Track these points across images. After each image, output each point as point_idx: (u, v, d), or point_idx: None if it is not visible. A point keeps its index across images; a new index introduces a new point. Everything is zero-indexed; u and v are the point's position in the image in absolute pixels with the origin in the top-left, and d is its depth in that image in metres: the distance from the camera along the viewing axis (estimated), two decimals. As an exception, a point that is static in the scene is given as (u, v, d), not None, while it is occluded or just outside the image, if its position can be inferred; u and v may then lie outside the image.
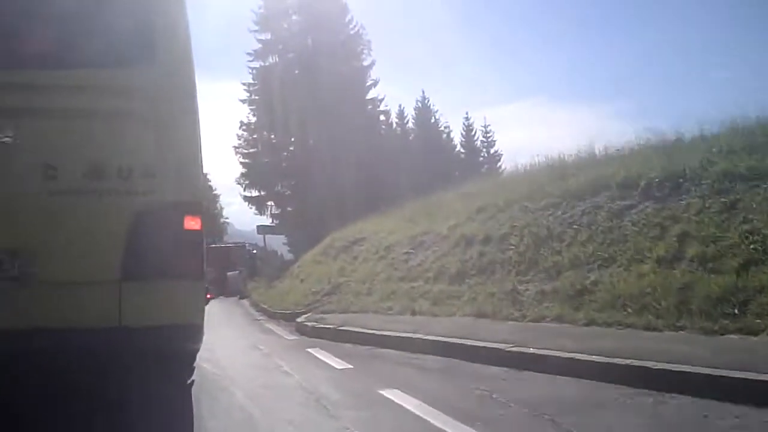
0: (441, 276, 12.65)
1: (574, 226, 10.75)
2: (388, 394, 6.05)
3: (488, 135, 62.37)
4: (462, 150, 62.13)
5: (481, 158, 61.74)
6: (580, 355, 6.59)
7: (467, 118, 62.79)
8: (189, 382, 7.42)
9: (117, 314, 4.78)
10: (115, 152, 4.96)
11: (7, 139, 4.82)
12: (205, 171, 58.79)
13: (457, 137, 62.61)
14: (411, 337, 9.03)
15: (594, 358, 6.38)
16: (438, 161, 52.31)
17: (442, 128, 61.66)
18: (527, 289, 10.07)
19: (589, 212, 10.82)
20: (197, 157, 5.48)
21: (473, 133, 62.45)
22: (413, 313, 11.51)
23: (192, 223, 5.04)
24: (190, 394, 6.60)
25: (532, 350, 7.11)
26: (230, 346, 10.61)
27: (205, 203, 6.53)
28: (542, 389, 6.05)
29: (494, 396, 5.83)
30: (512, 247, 11.46)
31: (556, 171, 13.79)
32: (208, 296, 5.93)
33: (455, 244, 13.41)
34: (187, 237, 5.04)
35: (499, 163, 56.59)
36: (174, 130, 5.17)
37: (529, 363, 6.90)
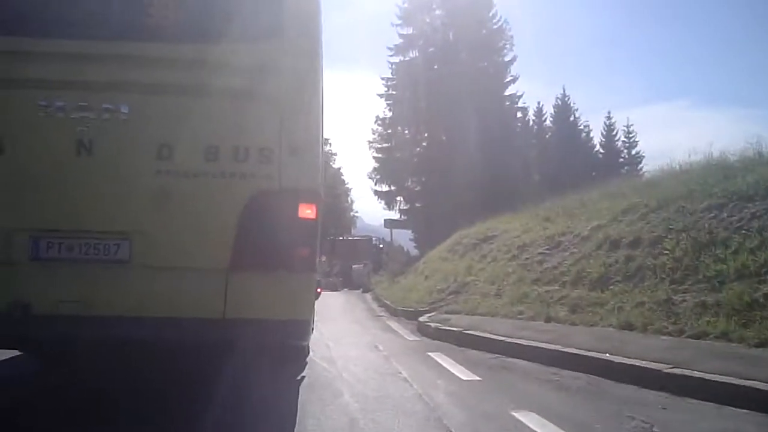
0: (580, 281, 11.39)
1: (742, 231, 9.28)
2: (523, 417, 5.06)
3: (630, 136, 60.14)
4: (601, 150, 60.01)
5: (621, 159, 59.45)
6: (757, 383, 5.37)
7: (609, 118, 60.61)
8: (299, 377, 6.84)
9: (222, 306, 4.46)
10: (232, 133, 4.64)
11: (121, 115, 4.55)
12: (337, 164, 60.69)
13: (596, 137, 60.64)
14: (547, 348, 7.94)
15: (776, 388, 5.16)
16: (575, 161, 51.04)
17: (582, 127, 60.02)
18: (684, 300, 8.70)
19: (760, 216, 9.33)
20: (318, 142, 4.97)
21: (614, 133, 60.37)
22: (548, 319, 10.35)
23: (307, 212, 4.65)
24: (297, 392, 5.99)
25: (697, 373, 5.90)
26: (348, 344, 9.94)
27: (324, 193, 5.92)
28: (713, 424, 4.93)
29: (655, 430, 4.75)
30: (666, 252, 10.06)
31: (719, 170, 12.18)
32: (318, 290, 5.28)
33: (597, 246, 12.10)
34: (301, 226, 4.64)
35: (640, 165, 54.40)
36: (296, 112, 4.74)
37: (693, 389, 5.73)
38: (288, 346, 5.40)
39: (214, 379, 5.72)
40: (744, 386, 5.39)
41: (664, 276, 9.64)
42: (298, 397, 5.73)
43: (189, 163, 4.62)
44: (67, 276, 4.54)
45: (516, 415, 5.18)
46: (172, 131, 4.65)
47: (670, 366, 6.22)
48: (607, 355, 7.07)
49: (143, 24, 4.78)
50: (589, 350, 7.40)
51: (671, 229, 10.59)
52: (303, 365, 7.49)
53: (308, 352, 8.30)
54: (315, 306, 5.52)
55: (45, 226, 4.56)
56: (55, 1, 4.92)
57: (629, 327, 8.71)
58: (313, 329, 6.83)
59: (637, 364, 6.54)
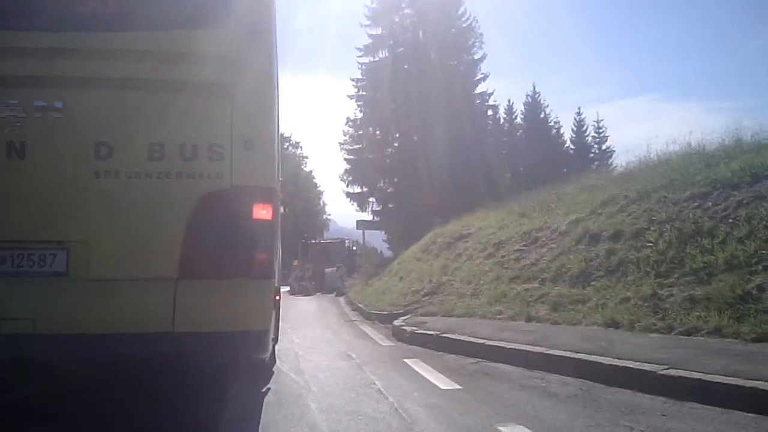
0: (560, 277, 10.91)
1: (729, 220, 8.91)
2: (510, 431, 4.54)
3: (600, 131, 60.90)
4: (572, 146, 60.49)
5: (592, 155, 60.04)
6: (763, 383, 4.90)
7: (579, 114, 61.20)
8: (264, 390, 6.26)
9: (170, 318, 4.00)
10: (178, 128, 4.18)
11: (55, 112, 4.09)
12: (309, 167, 60.78)
13: (567, 133, 61.21)
14: (530, 351, 7.39)
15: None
16: (546, 157, 51.48)
17: (552, 124, 60.73)
18: (671, 295, 8.27)
19: (747, 204, 8.96)
20: (274, 136, 4.46)
21: (584, 129, 61.09)
22: (528, 319, 9.84)
23: (263, 212, 4.22)
24: (261, 409, 5.42)
25: (696, 375, 5.42)
26: (319, 352, 9.34)
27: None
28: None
29: (659, 441, 4.26)
30: (649, 244, 9.63)
31: (699, 159, 11.82)
32: (277, 298, 4.76)
33: (577, 240, 11.65)
34: (256, 228, 4.21)
35: (611, 160, 54.72)
36: (248, 104, 4.29)
37: (692, 391, 5.25)
38: (245, 360, 4.85)
39: (163, 392, 5.20)
40: (749, 387, 4.94)
41: (648, 269, 9.21)
42: (260, 417, 5.16)
43: (131, 163, 4.17)
44: (2, 291, 4.06)
45: (502, 429, 4.70)
46: (111, 129, 4.20)
47: (665, 367, 5.74)
48: (596, 356, 6.56)
49: (76, 12, 4.35)
50: (576, 351, 6.89)
51: (653, 220, 10.20)
52: (269, 376, 6.94)
53: (275, 362, 7.77)
54: (274, 315, 4.96)
55: None
56: None
57: (615, 325, 8.25)
58: (274, 340, 6.27)
59: (629, 365, 6.03)
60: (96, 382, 5.07)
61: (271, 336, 4.74)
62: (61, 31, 4.21)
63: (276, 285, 4.83)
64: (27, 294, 4.07)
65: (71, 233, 4.15)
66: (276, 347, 8.40)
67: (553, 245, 12.39)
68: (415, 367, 7.49)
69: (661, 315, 7.92)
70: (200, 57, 4.29)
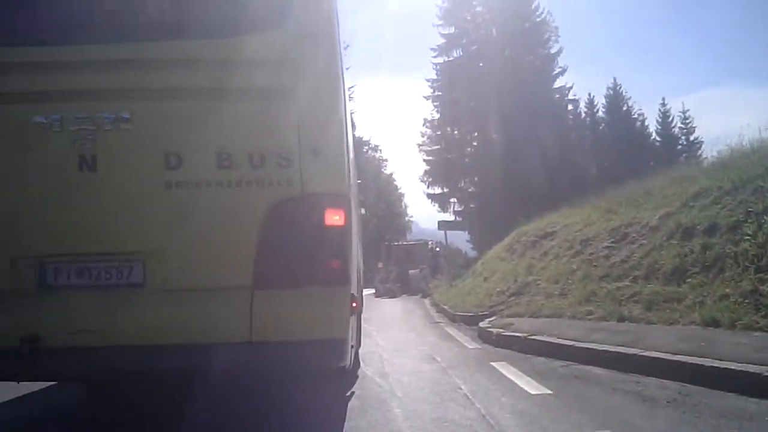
0: (653, 274, 10.42)
1: (834, 209, 8.27)
2: (607, 441, 4.31)
3: (687, 121, 58.59)
4: (658, 139, 58.42)
5: (679, 146, 57.78)
6: None
7: (663, 104, 59.12)
8: (348, 394, 6.20)
9: (248, 328, 3.99)
10: (246, 136, 4.17)
11: (124, 124, 4.13)
12: (389, 170, 61.33)
13: (652, 125, 59.31)
14: (623, 353, 7.06)
15: None
16: (631, 151, 50.01)
17: (636, 116, 58.74)
18: (775, 291, 7.75)
19: None
20: (343, 140, 4.37)
21: (670, 120, 58.82)
22: (621, 319, 9.42)
23: (335, 218, 4.16)
24: (344, 415, 5.34)
25: (810, 377, 5.03)
26: (403, 355, 9.24)
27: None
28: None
29: (770, 451, 3.94)
30: (747, 237, 9.05)
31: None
32: (354, 305, 4.68)
33: (669, 235, 11.10)
34: (329, 234, 4.16)
35: (700, 151, 52.68)
36: (315, 108, 4.25)
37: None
38: (324, 369, 4.79)
39: (249, 397, 5.23)
40: None
41: (747, 264, 8.65)
42: (344, 423, 5.09)
43: (201, 173, 4.18)
44: (77, 304, 4.14)
45: (598, 437, 4.44)
46: (179, 138, 4.23)
47: (775, 368, 5.35)
48: (696, 358, 6.20)
49: (140, 23, 4.39)
50: (673, 353, 6.53)
51: (750, 211, 9.57)
52: (353, 380, 6.91)
53: (359, 366, 7.73)
54: (353, 321, 4.88)
55: (51, 251, 4.18)
56: (43, 5, 4.51)
57: (714, 324, 7.78)
58: (355, 345, 6.19)
59: (731, 367, 5.67)
60: (175, 392, 5.16)
61: (351, 343, 4.65)
62: (126, 43, 4.25)
63: (353, 291, 4.74)
64: (105, 306, 4.12)
65: (146, 244, 4.19)
66: (360, 350, 8.36)
67: (644, 241, 11.86)
68: (503, 371, 7.28)
69: (763, 312, 7.42)
70: (263, 62, 4.28)
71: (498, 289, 15.78)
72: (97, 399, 6.16)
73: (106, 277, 4.18)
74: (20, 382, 4.94)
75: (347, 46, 48.47)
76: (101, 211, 4.18)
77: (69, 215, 4.17)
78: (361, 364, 7.98)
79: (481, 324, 11.73)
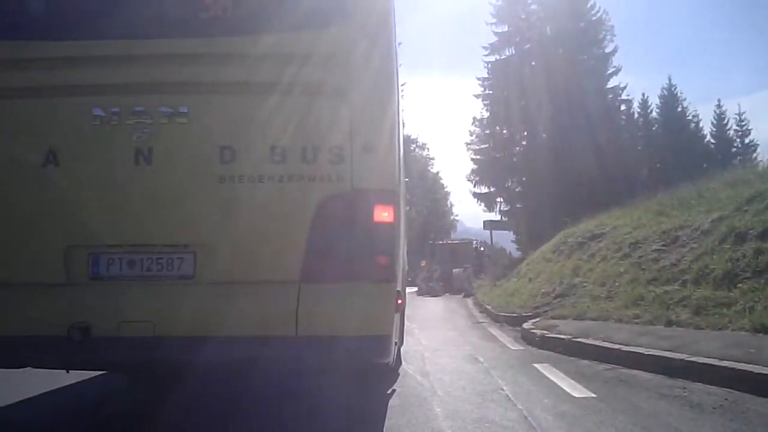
0: (703, 279, 10.16)
1: None
2: (652, 447, 4.23)
3: (742, 124, 57.38)
4: (712, 141, 57.18)
5: (734, 149, 56.49)
6: None
7: (719, 106, 57.91)
8: (389, 391, 6.20)
9: (294, 322, 3.99)
10: (298, 131, 4.18)
11: (180, 118, 4.21)
12: (436, 168, 61.38)
13: (706, 127, 58.14)
14: (670, 357, 6.91)
15: None
16: (684, 152, 49.03)
17: (690, 117, 57.57)
18: (827, 297, 7.50)
19: None
20: (395, 137, 4.37)
21: (725, 122, 57.52)
22: (668, 323, 9.20)
23: (384, 215, 4.15)
24: (385, 413, 5.33)
25: None
26: (445, 354, 9.19)
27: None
28: None
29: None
30: (803, 242, 8.80)
31: None
32: (399, 302, 4.67)
33: (721, 239, 10.83)
34: (377, 231, 4.15)
35: (755, 154, 51.53)
36: (368, 105, 4.24)
37: None
38: (368, 365, 4.79)
39: (292, 391, 5.25)
40: None
41: (802, 270, 8.40)
42: (384, 421, 5.08)
43: (254, 167, 4.23)
44: (128, 295, 4.22)
45: (642, 443, 4.35)
46: (233, 133, 4.28)
47: (829, 378, 5.18)
48: (745, 364, 6.03)
49: (197, 19, 4.42)
50: (721, 359, 6.36)
51: (806, 217, 9.29)
52: (395, 377, 6.92)
53: (401, 363, 7.73)
54: (397, 319, 4.87)
55: (104, 241, 4.27)
56: (102, 1, 4.62)
57: (764, 330, 7.53)
58: (399, 343, 6.18)
59: (785, 375, 5.50)
60: (220, 383, 5.23)
61: (395, 340, 4.64)
62: (184, 38, 4.32)
63: (399, 288, 4.74)
64: (155, 297, 4.19)
65: (198, 237, 4.25)
66: (402, 348, 8.35)
67: (695, 245, 11.59)
68: (546, 373, 7.20)
69: (816, 319, 7.19)
70: (318, 58, 4.28)
71: (543, 291, 15.62)
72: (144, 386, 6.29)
73: (157, 269, 4.25)
74: (69, 371, 5.03)
75: (400, 43, 48.62)
76: (155, 203, 4.25)
77: (123, 207, 4.25)
78: (403, 362, 7.97)
79: (525, 325, 11.63)
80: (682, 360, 6.72)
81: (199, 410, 5.30)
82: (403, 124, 52.94)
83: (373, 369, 5.99)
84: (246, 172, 4.21)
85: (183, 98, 4.25)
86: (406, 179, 15.65)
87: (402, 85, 51.28)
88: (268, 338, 4.05)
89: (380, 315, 4.27)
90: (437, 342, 10.73)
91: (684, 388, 6.03)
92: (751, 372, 5.81)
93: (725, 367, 6.12)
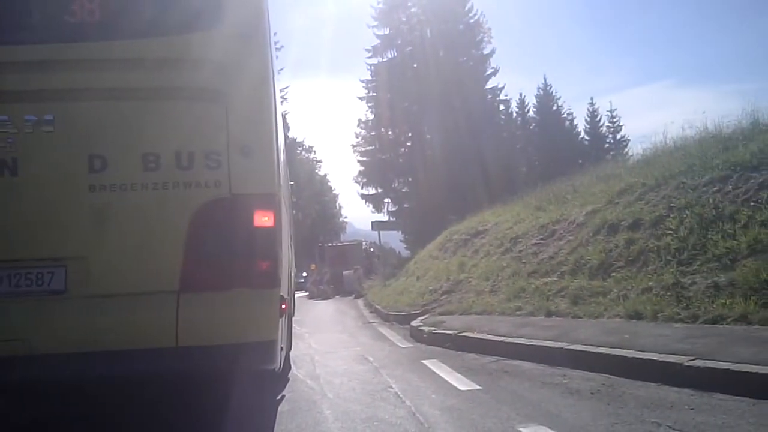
0: (580, 269, 10.67)
1: (751, 203, 8.64)
2: (533, 434, 4.36)
3: (614, 120, 60.66)
4: (586, 137, 60.14)
5: (607, 145, 59.65)
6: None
7: (592, 104, 60.94)
8: (279, 397, 6.10)
9: (173, 332, 3.89)
10: (173, 137, 4.07)
11: (46, 126, 3.99)
12: (323, 171, 61.25)
13: (581, 124, 61.00)
14: (550, 347, 7.19)
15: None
16: (561, 149, 51.31)
17: (565, 115, 60.50)
18: (694, 283, 8.01)
19: (770, 185, 8.65)
20: (273, 140, 4.29)
21: (598, 119, 60.87)
22: (548, 314, 9.61)
23: (264, 219, 4.10)
24: (274, 419, 5.24)
25: (723, 365, 5.19)
26: (335, 356, 9.17)
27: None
28: (755, 424, 4.18)
29: (689, 438, 4.06)
30: (670, 232, 9.37)
31: (717, 142, 11.53)
32: (283, 307, 4.61)
33: (595, 231, 11.40)
34: (258, 236, 4.08)
35: (626, 149, 54.38)
36: (244, 108, 4.18)
37: (721, 383, 5.03)
38: (254, 372, 4.71)
39: (177, 403, 5.07)
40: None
41: (669, 258, 8.96)
42: (273, 427, 5.02)
43: (126, 175, 4.07)
44: None
45: (523, 430, 4.50)
46: (104, 140, 4.10)
47: (691, 358, 5.52)
48: (619, 350, 6.34)
49: (63, 23, 4.22)
50: (598, 345, 6.68)
51: (673, 207, 9.93)
52: (284, 383, 6.82)
53: (290, 368, 7.66)
54: (283, 324, 4.82)
55: None
56: None
57: (637, 316, 8.00)
58: (285, 348, 6.11)
59: (653, 358, 5.82)
60: (100, 400, 4.99)
61: (281, 345, 4.59)
62: (48, 43, 4.12)
63: (283, 293, 4.68)
64: (25, 314, 3.97)
65: (69, 250, 4.06)
66: (291, 353, 8.26)
67: (571, 237, 12.15)
68: (434, 368, 7.31)
69: (684, 304, 7.67)
70: (191, 62, 4.19)
71: (430, 288, 15.89)
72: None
73: (26, 284, 4.03)
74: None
75: (281, 47, 48.15)
76: (22, 216, 4.03)
77: None
78: (293, 366, 7.89)
79: (413, 323, 11.77)
80: (561, 349, 6.99)
81: (80, 425, 5.06)
82: (287, 127, 52.44)
83: (262, 376, 5.89)
84: (118, 180, 4.06)
85: (48, 106, 4.04)
86: (292, 183, 15.53)
87: (285, 88, 51.00)
88: (148, 351, 3.93)
89: (264, 321, 4.21)
90: (328, 345, 10.70)
91: (564, 375, 6.28)
92: (626, 357, 6.12)
93: (602, 354, 6.42)
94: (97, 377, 4.00)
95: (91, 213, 4.05)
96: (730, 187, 9.29)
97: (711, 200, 9.30)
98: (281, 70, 44.09)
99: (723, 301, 7.22)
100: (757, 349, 5.43)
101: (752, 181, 9.03)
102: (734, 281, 7.43)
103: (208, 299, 4.06)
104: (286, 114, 50.34)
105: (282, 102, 47.76)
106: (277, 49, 42.71)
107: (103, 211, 4.05)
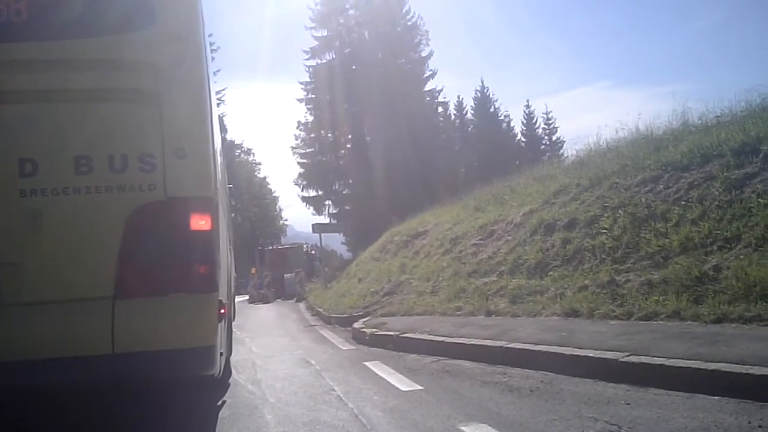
0: (518, 269, 10.85)
1: (682, 202, 8.92)
2: (473, 431, 4.41)
3: (550, 122, 62.19)
4: (523, 139, 61.21)
5: (543, 146, 60.94)
6: (724, 365, 4.82)
7: (528, 106, 62.40)
8: (219, 403, 6.00)
9: (109, 339, 3.81)
10: (105, 139, 3.99)
11: None
12: (263, 173, 60.55)
13: (517, 126, 61.95)
14: (490, 346, 7.28)
15: (752, 369, 4.59)
16: (498, 151, 52.18)
17: (502, 117, 61.53)
18: (628, 280, 8.24)
19: (698, 185, 8.98)
20: (208, 142, 4.25)
21: (534, 121, 62.21)
22: (488, 313, 9.73)
23: (201, 223, 4.05)
24: (215, 426, 5.16)
25: (657, 360, 5.33)
26: (277, 360, 9.09)
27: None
28: (687, 417, 4.29)
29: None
30: (604, 231, 9.62)
31: (648, 143, 11.88)
32: (222, 311, 4.55)
33: (532, 231, 11.61)
34: (195, 240, 4.04)
35: (561, 150, 55.68)
36: (178, 110, 4.12)
37: (655, 378, 5.17)
38: (193, 378, 4.63)
39: (114, 411, 4.95)
40: (711, 370, 4.84)
41: (604, 256, 9.21)
42: (215, 426, 4.96)
43: (58, 179, 3.98)
44: None
45: (465, 429, 4.53)
46: (34, 143, 4.00)
47: (626, 354, 5.66)
48: (556, 347, 6.46)
49: None
50: (536, 343, 6.79)
51: (607, 206, 10.20)
52: (224, 388, 6.73)
53: (230, 374, 7.56)
54: (222, 328, 4.75)
55: None
56: None
57: (574, 314, 8.18)
58: (225, 353, 6.03)
59: (590, 355, 5.95)
60: (35, 409, 4.83)
61: (220, 351, 4.52)
62: None
63: (222, 297, 4.61)
64: None
65: None
66: (232, 358, 8.15)
67: (509, 237, 12.35)
68: (376, 370, 7.31)
69: (619, 301, 7.87)
70: (124, 63, 4.12)
71: (372, 290, 15.92)
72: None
73: None
74: None
75: (218, 48, 47.47)
76: None
77: None
78: (233, 371, 7.78)
79: (355, 325, 11.77)
80: (501, 347, 7.08)
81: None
82: (225, 129, 51.69)
83: (201, 381, 5.80)
84: (49, 184, 3.97)
85: None
86: (230, 185, 15.33)
87: (222, 90, 50.32)
88: (84, 358, 3.85)
89: (202, 326, 4.16)
90: (269, 349, 10.60)
91: (504, 373, 6.36)
92: (563, 354, 6.23)
93: (540, 351, 6.53)
94: (30, 386, 3.91)
95: (23, 218, 3.94)
96: (662, 186, 9.57)
97: (643, 200, 9.58)
98: (218, 71, 43.45)
99: (656, 297, 7.43)
100: (690, 344, 5.58)
101: (683, 180, 9.32)
102: (667, 278, 7.65)
103: (144, 305, 3.99)
104: (223, 116, 49.79)
105: (219, 104, 47.22)
106: (213, 50, 42.29)
107: (35, 216, 3.95)
